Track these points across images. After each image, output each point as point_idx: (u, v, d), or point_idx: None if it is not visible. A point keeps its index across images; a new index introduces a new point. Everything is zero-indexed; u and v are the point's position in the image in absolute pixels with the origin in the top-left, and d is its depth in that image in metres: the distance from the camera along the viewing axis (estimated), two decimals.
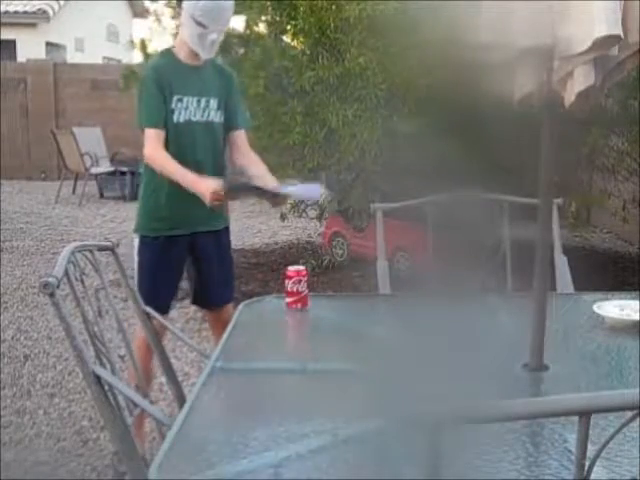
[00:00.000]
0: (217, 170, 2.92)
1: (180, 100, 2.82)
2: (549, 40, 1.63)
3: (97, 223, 8.54)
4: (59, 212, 9.29)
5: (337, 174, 5.63)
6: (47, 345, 4.39)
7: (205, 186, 2.64)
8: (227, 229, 3.10)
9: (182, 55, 2.86)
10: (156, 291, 2.80)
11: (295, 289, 2.31)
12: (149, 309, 2.37)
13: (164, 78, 2.82)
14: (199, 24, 2.74)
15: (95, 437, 3.22)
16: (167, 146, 2.82)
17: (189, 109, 2.83)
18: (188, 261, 3.01)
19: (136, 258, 2.91)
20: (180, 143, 2.84)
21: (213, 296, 3.08)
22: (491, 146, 4.41)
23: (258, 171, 2.83)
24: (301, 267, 2.35)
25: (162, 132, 2.79)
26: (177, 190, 2.79)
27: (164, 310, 2.77)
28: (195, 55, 2.84)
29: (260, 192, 2.69)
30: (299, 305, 2.32)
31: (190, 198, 2.76)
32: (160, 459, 1.37)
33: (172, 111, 2.81)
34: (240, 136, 2.97)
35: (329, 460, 1.41)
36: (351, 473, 1.38)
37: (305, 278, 2.33)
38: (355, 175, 5.54)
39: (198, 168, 2.81)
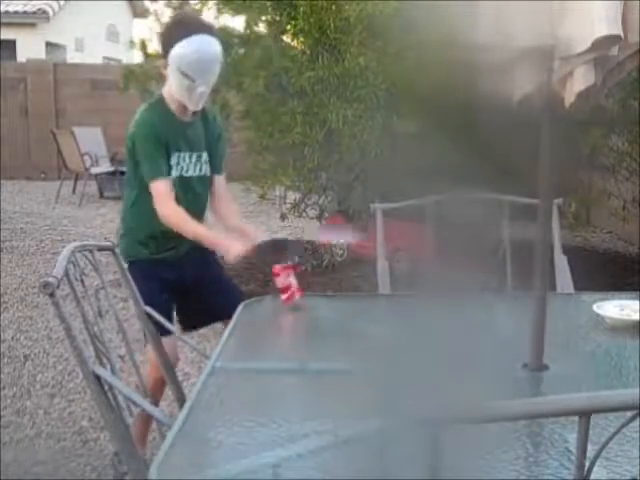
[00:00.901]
0: (200, 221, 2.90)
1: (177, 157, 2.75)
2: (549, 40, 1.63)
3: (97, 223, 8.54)
4: (59, 212, 9.28)
5: (337, 174, 5.63)
6: (47, 345, 4.39)
7: (229, 246, 2.60)
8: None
9: (173, 107, 2.75)
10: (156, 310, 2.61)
11: (287, 283, 2.33)
12: (149, 309, 2.38)
13: (161, 135, 2.71)
14: (186, 77, 2.65)
15: (95, 437, 3.22)
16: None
17: (180, 164, 2.76)
18: (178, 290, 2.90)
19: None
20: (174, 198, 2.78)
21: (224, 306, 2.83)
22: (491, 146, 4.41)
23: (235, 223, 2.87)
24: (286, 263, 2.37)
25: (169, 183, 2.71)
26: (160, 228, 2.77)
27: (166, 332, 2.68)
28: (186, 107, 2.75)
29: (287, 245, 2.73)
30: (294, 297, 2.33)
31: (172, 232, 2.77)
32: (160, 459, 1.37)
33: (170, 167, 2.74)
34: (220, 181, 2.91)
35: (329, 460, 1.41)
36: (351, 473, 1.38)
37: (292, 271, 2.35)
38: (355, 175, 5.54)
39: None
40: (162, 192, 2.69)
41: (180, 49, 2.63)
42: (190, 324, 3.02)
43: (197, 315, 2.95)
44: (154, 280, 2.77)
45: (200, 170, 2.81)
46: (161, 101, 2.77)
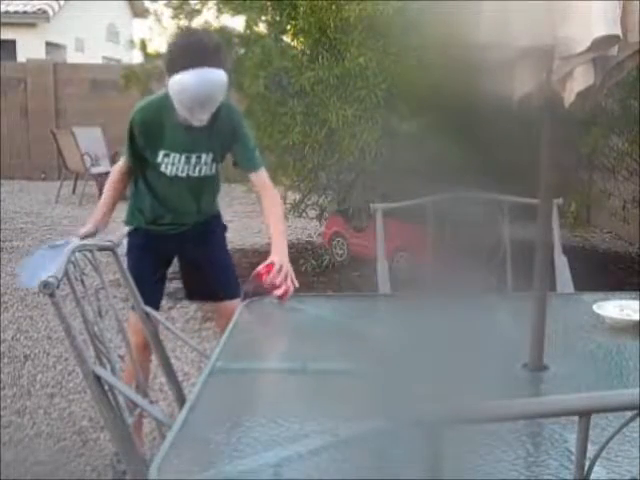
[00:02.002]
0: (202, 213, 2.94)
1: (167, 155, 2.72)
2: (549, 40, 1.63)
3: None
4: (59, 212, 9.28)
5: (337, 174, 5.64)
6: (47, 345, 4.38)
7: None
8: (218, 217, 3.05)
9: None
10: (143, 287, 2.52)
11: (277, 282, 2.35)
12: (149, 309, 2.38)
13: (151, 129, 2.70)
14: (184, 106, 2.59)
15: (95, 437, 3.22)
16: (155, 194, 2.83)
17: (176, 165, 2.74)
18: (178, 258, 3.00)
19: (126, 259, 2.81)
20: (166, 194, 2.83)
21: (214, 289, 3.00)
22: (491, 146, 4.41)
23: (270, 231, 2.74)
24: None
25: (124, 165, 2.87)
26: (160, 202, 2.85)
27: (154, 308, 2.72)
28: None
29: None
30: (288, 294, 2.35)
31: (167, 207, 2.85)
32: (160, 459, 1.37)
33: (158, 164, 2.75)
34: (253, 179, 2.81)
35: (329, 460, 1.41)
36: (351, 473, 1.38)
37: (273, 270, 2.39)
38: (355, 175, 5.54)
39: (181, 217, 2.89)
40: (114, 171, 2.90)
41: (180, 81, 2.53)
42: (190, 294, 3.17)
43: (195, 288, 3.06)
44: (148, 251, 2.86)
45: (200, 171, 2.79)
46: (165, 99, 2.68)
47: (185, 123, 2.67)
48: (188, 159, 2.75)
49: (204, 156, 2.78)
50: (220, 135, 2.76)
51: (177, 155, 2.74)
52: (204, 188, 2.88)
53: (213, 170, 2.83)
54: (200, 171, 2.79)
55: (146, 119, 2.72)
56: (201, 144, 2.75)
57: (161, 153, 2.73)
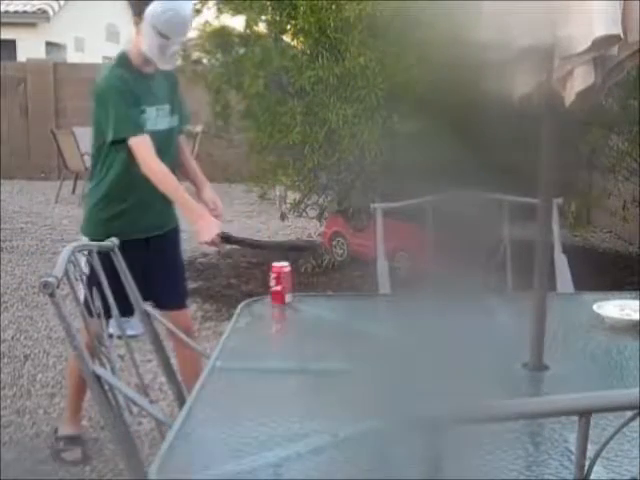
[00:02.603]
0: (166, 201, 2.88)
1: (143, 111, 2.76)
2: (549, 40, 1.63)
3: None
4: (59, 212, 9.28)
5: (337, 174, 5.63)
6: (47, 345, 4.38)
7: (208, 226, 2.68)
8: (177, 229, 3.04)
9: (138, 62, 2.78)
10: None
11: (284, 283, 2.35)
12: (149, 309, 2.37)
13: (133, 89, 2.76)
14: (161, 36, 2.69)
15: (95, 437, 3.22)
16: (118, 180, 2.80)
17: (151, 119, 2.78)
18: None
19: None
20: (129, 176, 2.80)
21: (166, 298, 2.92)
22: (491, 146, 4.41)
23: (198, 183, 2.96)
24: (285, 264, 2.37)
25: (148, 137, 2.73)
26: (133, 201, 2.81)
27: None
28: (148, 62, 2.77)
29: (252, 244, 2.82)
30: (284, 298, 2.34)
31: (145, 207, 2.82)
32: (160, 459, 1.37)
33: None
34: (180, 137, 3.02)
35: (329, 460, 1.41)
36: (351, 473, 1.38)
37: (282, 275, 2.35)
38: (355, 175, 5.54)
39: (146, 206, 2.84)
40: (146, 147, 2.71)
41: (157, 7, 2.67)
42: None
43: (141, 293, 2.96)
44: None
45: (166, 123, 2.85)
46: (125, 57, 2.80)
47: (145, 72, 2.78)
48: (158, 111, 2.82)
49: (167, 107, 2.85)
50: (169, 86, 2.90)
51: (149, 108, 2.79)
52: (172, 144, 2.90)
53: (175, 121, 2.89)
54: (167, 122, 2.85)
55: (122, 77, 2.75)
56: (162, 94, 2.85)
57: (143, 108, 2.76)
